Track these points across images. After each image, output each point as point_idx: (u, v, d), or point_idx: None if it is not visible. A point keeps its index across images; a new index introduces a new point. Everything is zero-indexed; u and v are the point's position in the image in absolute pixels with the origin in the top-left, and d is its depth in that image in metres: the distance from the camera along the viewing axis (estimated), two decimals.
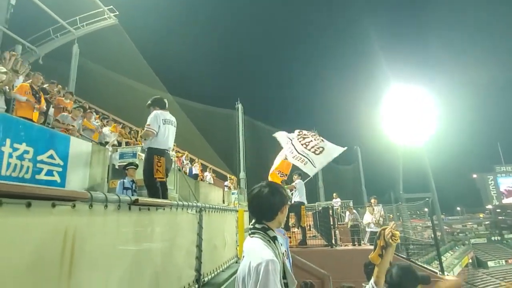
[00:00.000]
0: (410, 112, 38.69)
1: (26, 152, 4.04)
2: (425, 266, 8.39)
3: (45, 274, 1.51)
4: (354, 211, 10.68)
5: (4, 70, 5.48)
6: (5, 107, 5.40)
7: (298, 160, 8.22)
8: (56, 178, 4.52)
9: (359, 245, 9.10)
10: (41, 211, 1.51)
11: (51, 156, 4.45)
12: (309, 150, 8.16)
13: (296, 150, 8.33)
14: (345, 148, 8.25)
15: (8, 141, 3.80)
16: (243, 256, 1.57)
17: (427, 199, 10.70)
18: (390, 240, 2.07)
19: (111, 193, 2.05)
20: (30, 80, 6.22)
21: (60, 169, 4.59)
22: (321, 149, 8.14)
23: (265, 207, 1.61)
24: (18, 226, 1.40)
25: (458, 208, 69.38)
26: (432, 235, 9.50)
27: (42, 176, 4.26)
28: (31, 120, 5.29)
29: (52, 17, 15.06)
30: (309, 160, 8.11)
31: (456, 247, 41.42)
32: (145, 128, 4.11)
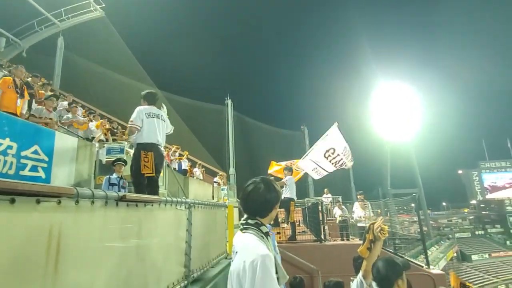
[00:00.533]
0: (397, 109, 39.29)
1: (10, 147, 3.92)
2: (411, 260, 8.56)
3: (30, 272, 1.47)
4: (343, 206, 10.81)
5: None
6: None
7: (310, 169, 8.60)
8: (41, 174, 4.42)
9: (348, 240, 9.23)
10: (26, 207, 1.47)
11: (35, 152, 4.34)
12: (330, 162, 8.49)
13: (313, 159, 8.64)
14: (336, 123, 8.56)
15: None
16: (236, 252, 1.55)
17: (414, 194, 10.88)
18: (379, 234, 2.11)
19: (98, 189, 2.01)
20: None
21: (45, 165, 4.48)
22: (341, 161, 8.54)
23: (260, 204, 1.61)
24: (1, 222, 1.36)
25: (444, 203, 71.03)
26: (419, 230, 9.68)
27: (26, 172, 4.15)
28: (14, 114, 5.15)
29: (36, 8, 14.63)
30: (321, 168, 8.48)
31: (442, 241, 42.47)
32: (129, 125, 4.10)
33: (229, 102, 26.67)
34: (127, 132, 4.37)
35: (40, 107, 6.36)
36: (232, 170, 23.72)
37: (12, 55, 13.49)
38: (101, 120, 9.11)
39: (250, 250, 1.44)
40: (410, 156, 36.88)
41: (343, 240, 9.26)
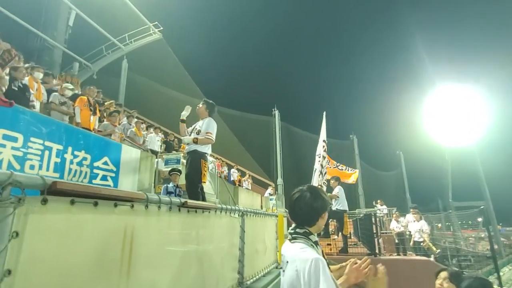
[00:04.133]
0: (458, 112, 36.11)
1: (85, 159, 4.42)
2: None
3: (108, 269, 1.65)
4: (400, 219, 10.23)
5: (71, 86, 6.10)
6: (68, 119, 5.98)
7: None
8: (110, 182, 4.89)
9: (405, 255, 8.69)
10: (106, 209, 1.68)
11: (105, 163, 4.82)
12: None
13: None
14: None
15: (69, 149, 4.20)
16: (287, 262, 1.54)
17: (482, 207, 9.91)
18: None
19: (163, 195, 2.21)
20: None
21: (113, 174, 4.95)
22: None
23: (307, 212, 1.60)
24: (87, 222, 1.56)
25: None
26: (488, 247, 8.77)
27: (98, 181, 4.63)
28: (88, 129, 5.80)
29: (104, 35, 16.45)
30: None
31: None
32: (206, 136, 4.23)
33: (277, 112, 26.85)
34: (200, 140, 4.28)
35: (106, 123, 7.10)
36: (280, 180, 23.67)
37: (84, 78, 15.26)
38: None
39: (301, 258, 1.43)
40: (475, 164, 33.45)
41: (399, 254, 8.72)
